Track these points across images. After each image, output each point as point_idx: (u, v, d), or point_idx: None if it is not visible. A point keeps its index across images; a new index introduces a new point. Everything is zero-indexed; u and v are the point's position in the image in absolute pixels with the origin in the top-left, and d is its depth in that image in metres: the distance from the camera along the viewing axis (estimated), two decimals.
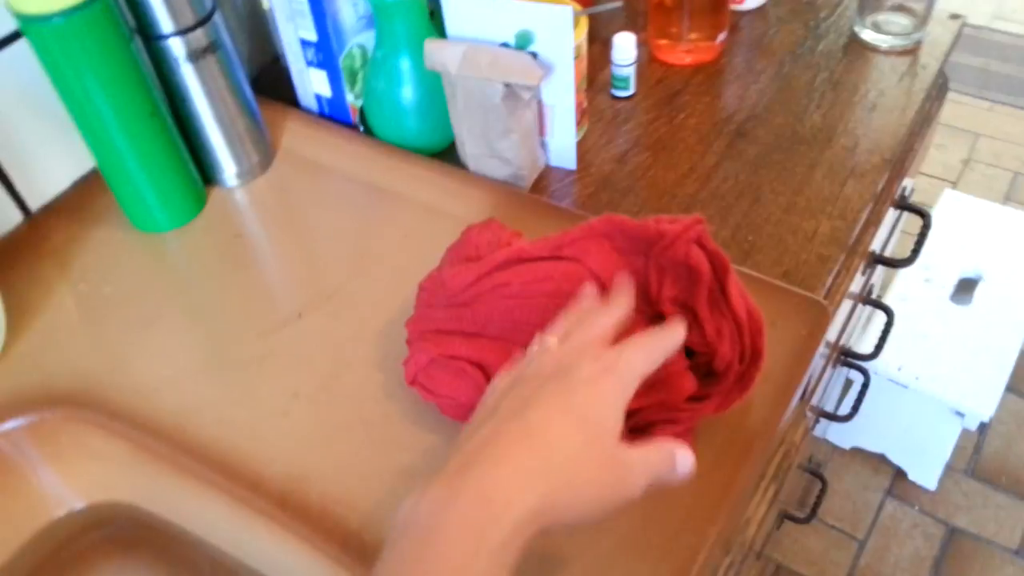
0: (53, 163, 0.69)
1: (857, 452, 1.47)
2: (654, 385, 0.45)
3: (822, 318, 0.57)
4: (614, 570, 0.46)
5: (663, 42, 0.82)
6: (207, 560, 0.57)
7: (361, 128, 0.76)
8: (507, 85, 0.64)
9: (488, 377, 0.51)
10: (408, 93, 0.70)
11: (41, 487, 0.61)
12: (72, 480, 0.60)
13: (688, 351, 0.50)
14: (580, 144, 0.75)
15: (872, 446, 1.44)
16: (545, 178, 0.72)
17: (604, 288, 0.49)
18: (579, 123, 0.74)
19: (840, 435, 1.47)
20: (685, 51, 0.82)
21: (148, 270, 0.66)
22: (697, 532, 0.47)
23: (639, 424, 0.48)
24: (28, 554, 0.60)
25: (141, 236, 0.68)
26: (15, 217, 0.68)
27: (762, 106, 0.77)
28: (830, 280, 0.63)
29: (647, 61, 0.83)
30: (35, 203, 0.69)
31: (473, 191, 0.68)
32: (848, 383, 1.31)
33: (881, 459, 1.45)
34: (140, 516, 0.59)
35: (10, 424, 0.57)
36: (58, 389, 0.59)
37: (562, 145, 0.72)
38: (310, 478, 0.52)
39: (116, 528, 0.62)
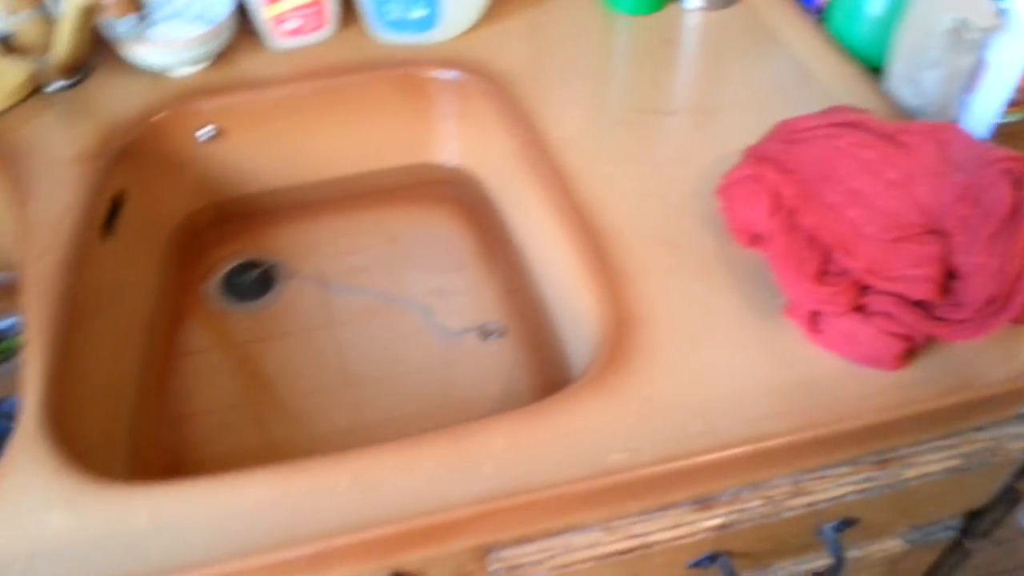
0: None
1: None
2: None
3: None
4: None
5: None
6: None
7: (819, 16, 0.83)
8: (958, 19, 0.67)
9: (777, 210, 0.58)
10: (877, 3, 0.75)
11: (437, 134, 0.81)
12: (461, 139, 0.80)
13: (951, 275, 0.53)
14: (1005, 128, 0.73)
15: None
16: None
17: (894, 181, 0.53)
18: (1018, 104, 0.73)
19: None
20: None
21: (596, 39, 0.81)
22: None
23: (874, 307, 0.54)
24: (386, 179, 0.82)
25: (604, 13, 0.83)
26: None
27: None
28: None
29: None
30: None
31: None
32: None
33: None
34: (486, 196, 0.77)
35: (450, 74, 0.77)
36: (496, 72, 0.77)
37: (982, 113, 0.72)
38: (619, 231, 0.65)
39: (464, 192, 0.81)
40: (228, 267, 0.79)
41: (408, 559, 0.53)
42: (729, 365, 0.56)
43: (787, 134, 0.61)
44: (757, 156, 0.62)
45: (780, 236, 0.58)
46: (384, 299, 0.76)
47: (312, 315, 0.74)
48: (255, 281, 0.78)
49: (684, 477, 0.53)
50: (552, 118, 0.73)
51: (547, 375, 0.69)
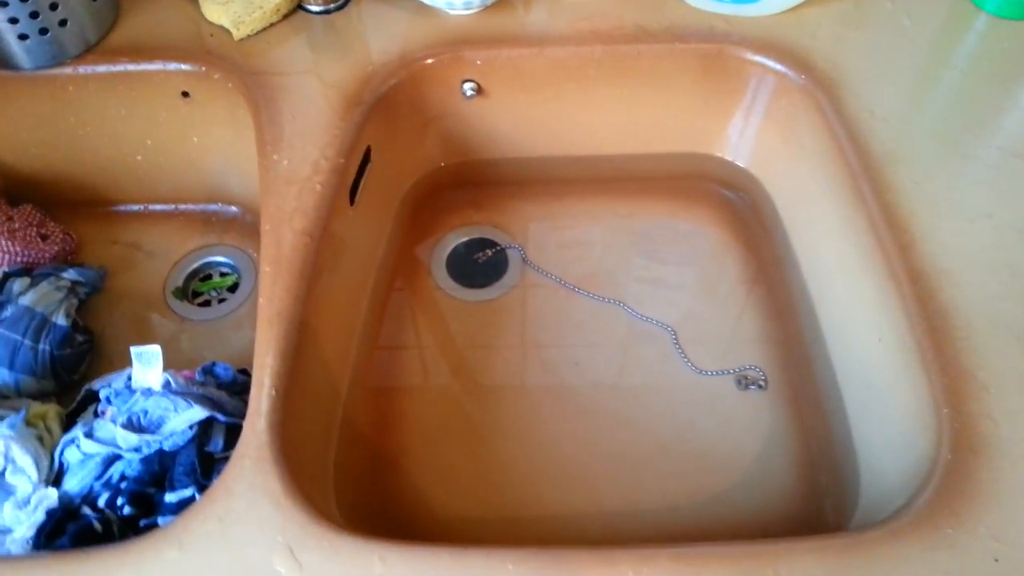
0: None
1: None
2: None
3: None
4: None
5: None
6: None
7: None
8: None
9: None
10: None
11: (731, 125, 0.69)
12: (759, 137, 0.67)
13: None
14: None
15: None
16: None
17: None
18: None
19: None
20: None
21: (953, 42, 0.66)
22: None
23: None
24: (653, 166, 0.70)
25: (968, 9, 0.67)
26: None
27: None
28: None
29: None
30: None
31: None
32: None
33: None
34: (771, 213, 0.65)
35: (770, 62, 0.64)
36: (821, 66, 0.63)
37: None
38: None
39: (743, 200, 0.69)
40: (458, 240, 0.71)
41: None
42: None
43: None
44: None
45: None
46: (627, 314, 0.66)
47: (543, 318, 0.65)
48: (485, 264, 0.70)
49: None
50: (883, 140, 0.59)
51: (815, 451, 0.59)
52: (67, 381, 0.63)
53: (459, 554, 0.44)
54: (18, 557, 0.47)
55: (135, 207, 0.74)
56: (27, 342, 0.61)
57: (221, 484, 0.46)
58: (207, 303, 0.70)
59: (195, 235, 0.74)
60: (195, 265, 0.72)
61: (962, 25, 0.66)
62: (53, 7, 0.62)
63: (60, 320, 0.63)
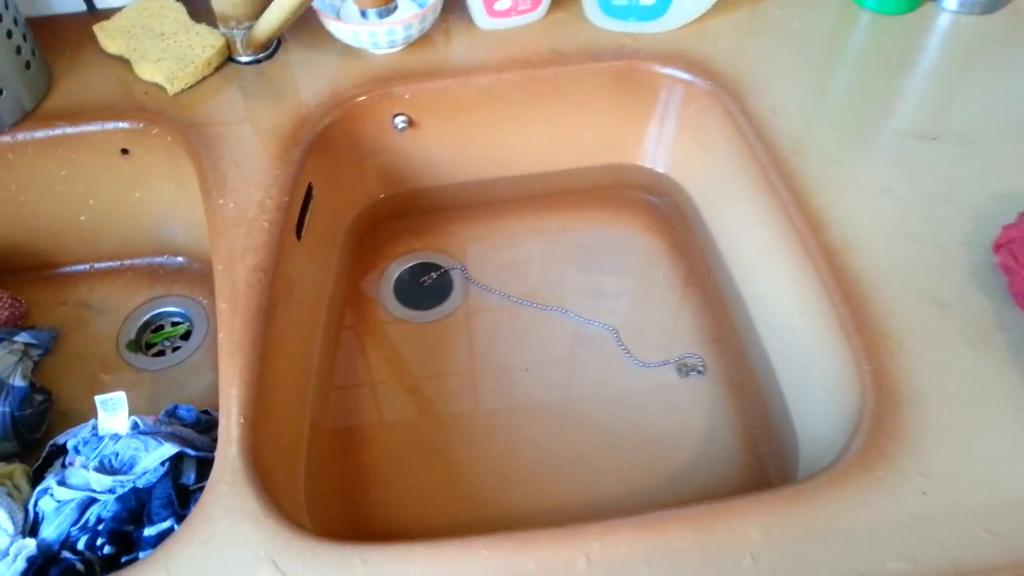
0: None
1: None
2: None
3: None
4: None
5: None
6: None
7: None
8: None
9: None
10: None
11: (648, 135, 0.74)
12: (676, 144, 0.72)
13: None
14: None
15: None
16: None
17: None
18: None
19: None
20: None
21: (839, 40, 0.72)
22: None
23: None
24: (581, 179, 0.74)
25: (850, 9, 0.74)
26: None
27: None
28: None
29: None
30: None
31: None
32: None
33: None
34: (693, 213, 0.70)
35: (679, 73, 0.69)
36: (723, 72, 0.69)
37: None
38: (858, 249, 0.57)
39: (666, 203, 0.73)
40: (401, 268, 0.74)
41: None
42: (1015, 458, 0.49)
43: None
44: None
45: None
46: (571, 319, 0.69)
47: (491, 332, 0.69)
48: (430, 287, 0.73)
49: None
50: (786, 133, 0.64)
51: (760, 427, 0.63)
52: (30, 441, 0.64)
53: (435, 546, 0.46)
54: None
55: (81, 267, 0.75)
56: None
57: (200, 510, 0.48)
58: (161, 353, 0.72)
59: (143, 288, 0.75)
60: (146, 317, 0.74)
61: (848, 24, 0.72)
62: None
63: (17, 381, 0.64)
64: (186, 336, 0.73)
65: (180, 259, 0.76)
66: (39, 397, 0.65)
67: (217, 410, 0.52)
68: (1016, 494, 0.47)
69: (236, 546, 0.46)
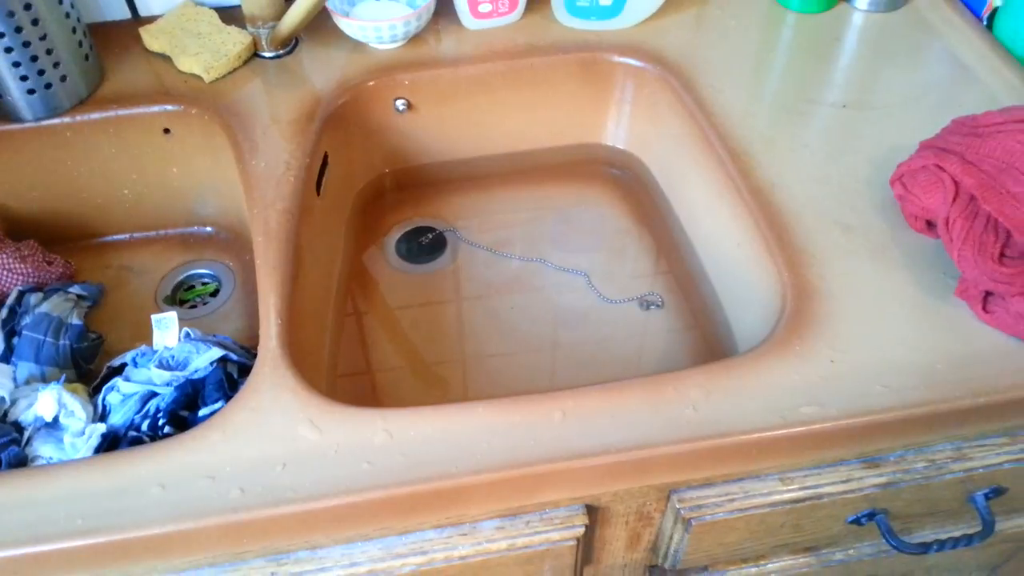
0: None
1: None
2: None
3: None
4: None
5: None
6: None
7: (984, 22, 0.86)
8: None
9: (958, 198, 0.63)
10: None
11: (610, 117, 0.87)
12: (632, 123, 0.85)
13: None
14: None
15: None
16: None
17: None
18: None
19: None
20: None
21: (766, 34, 0.86)
22: None
23: None
24: (555, 157, 0.87)
25: (775, 9, 0.88)
26: None
27: None
28: None
29: None
30: None
31: None
32: None
33: None
34: (648, 178, 0.83)
35: (632, 61, 0.83)
36: (670, 60, 0.82)
37: None
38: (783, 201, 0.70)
39: (626, 173, 0.86)
40: (402, 231, 0.86)
41: (602, 492, 0.59)
42: (903, 336, 0.61)
43: (969, 128, 0.65)
44: (937, 148, 0.66)
45: (961, 220, 0.62)
46: (548, 268, 0.81)
47: (480, 278, 0.81)
48: (427, 245, 0.85)
49: (863, 432, 0.58)
50: (724, 106, 0.78)
51: (708, 344, 0.74)
52: (85, 370, 0.74)
53: (440, 409, 0.57)
54: (92, 457, 0.58)
55: (122, 236, 0.87)
56: (49, 339, 0.73)
57: (248, 387, 0.59)
58: (194, 307, 0.83)
59: (176, 254, 0.86)
60: (179, 278, 0.85)
61: (775, 21, 0.87)
62: (56, 65, 0.76)
63: (74, 320, 0.75)
64: (214, 293, 0.84)
65: (209, 229, 0.87)
66: (92, 335, 0.76)
67: (246, 346, 0.63)
68: (904, 359, 0.59)
69: (279, 412, 0.57)
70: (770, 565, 0.71)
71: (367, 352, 0.75)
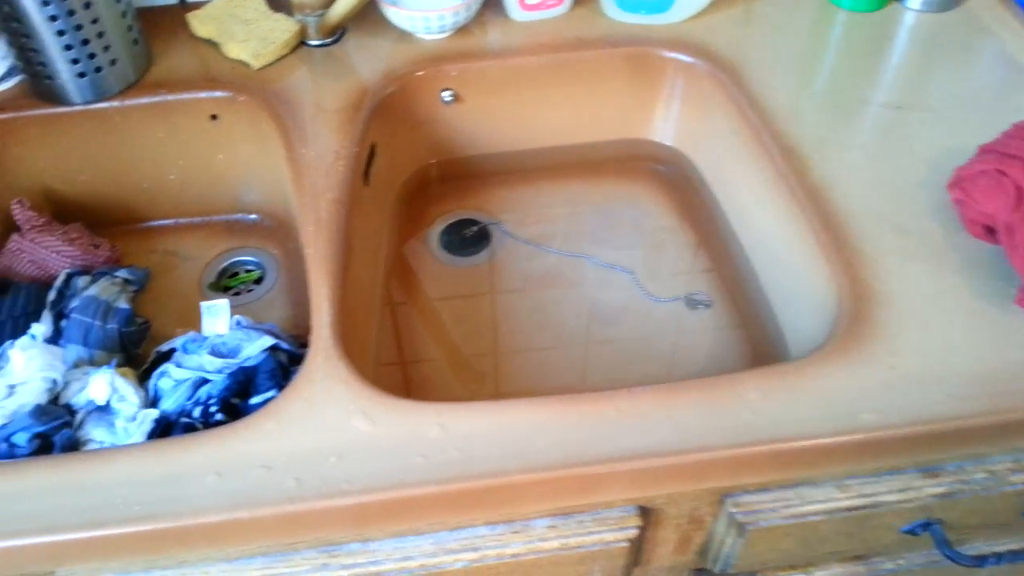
0: None
1: None
2: None
3: None
4: None
5: None
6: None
7: None
8: None
9: (1021, 204, 0.62)
10: None
11: (658, 112, 0.86)
12: (681, 120, 0.85)
13: None
14: None
15: None
16: None
17: None
18: None
19: None
20: None
21: (818, 32, 0.85)
22: None
23: None
24: (600, 152, 0.87)
25: (826, 8, 0.87)
26: None
27: None
28: None
29: None
30: None
31: None
32: None
33: None
34: (696, 176, 0.82)
35: (682, 56, 0.82)
36: (721, 56, 0.81)
37: None
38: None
39: (673, 170, 0.86)
40: (446, 223, 0.86)
41: (656, 494, 0.59)
42: (962, 344, 0.60)
43: None
44: (999, 152, 0.65)
45: (1022, 228, 0.61)
46: (594, 264, 0.81)
47: (524, 272, 0.80)
48: (471, 238, 0.84)
49: (924, 441, 0.57)
50: (775, 104, 0.77)
51: (756, 345, 0.74)
52: (133, 355, 0.75)
53: (495, 405, 0.57)
54: (148, 443, 0.58)
55: (167, 221, 0.87)
56: (97, 323, 0.73)
57: (301, 377, 0.59)
58: (238, 293, 0.83)
59: (221, 241, 0.86)
60: (224, 264, 0.85)
61: (826, 20, 0.86)
62: (106, 48, 0.76)
63: (122, 304, 0.75)
64: (258, 281, 0.84)
65: (253, 216, 0.87)
66: (139, 319, 0.76)
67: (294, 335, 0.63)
68: (964, 367, 0.58)
69: (332, 402, 0.57)
70: (818, 573, 0.70)
71: (407, 343, 0.75)
